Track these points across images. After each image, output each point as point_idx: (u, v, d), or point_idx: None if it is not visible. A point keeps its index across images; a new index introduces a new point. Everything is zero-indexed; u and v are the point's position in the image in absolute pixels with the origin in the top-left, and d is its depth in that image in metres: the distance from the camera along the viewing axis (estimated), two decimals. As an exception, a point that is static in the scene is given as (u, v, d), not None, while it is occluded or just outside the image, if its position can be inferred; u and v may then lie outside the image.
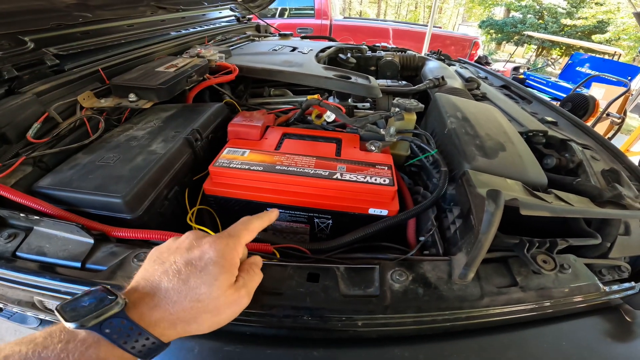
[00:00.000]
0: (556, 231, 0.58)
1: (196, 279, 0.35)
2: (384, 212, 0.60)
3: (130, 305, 0.32)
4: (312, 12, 4.53)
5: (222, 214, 0.67)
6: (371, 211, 0.60)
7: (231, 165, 0.62)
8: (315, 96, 0.74)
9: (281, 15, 4.61)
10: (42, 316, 0.62)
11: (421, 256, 0.53)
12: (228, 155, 0.65)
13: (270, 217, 0.49)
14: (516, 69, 5.66)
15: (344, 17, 5.25)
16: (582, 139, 0.95)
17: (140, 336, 0.31)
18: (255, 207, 0.64)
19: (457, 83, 1.21)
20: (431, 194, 0.62)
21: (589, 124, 2.36)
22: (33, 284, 0.48)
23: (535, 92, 1.47)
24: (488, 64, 5.22)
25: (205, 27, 1.53)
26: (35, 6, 0.92)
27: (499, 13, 13.52)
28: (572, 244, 0.52)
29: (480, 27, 11.85)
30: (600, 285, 0.49)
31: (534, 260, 0.46)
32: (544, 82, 4.93)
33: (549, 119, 1.07)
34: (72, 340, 0.29)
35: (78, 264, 0.48)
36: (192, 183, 0.69)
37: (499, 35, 11.62)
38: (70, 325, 0.28)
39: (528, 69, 6.23)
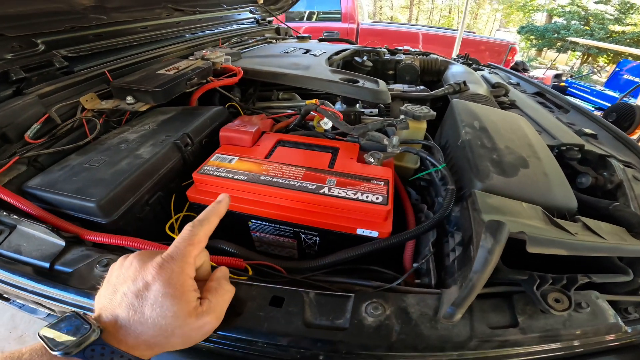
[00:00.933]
0: (580, 263, 0.48)
1: (151, 311, 0.33)
2: (374, 234, 0.53)
3: (105, 332, 0.32)
4: (339, 16, 4.50)
5: (208, 223, 0.64)
6: (359, 231, 0.53)
7: (215, 173, 0.58)
8: (314, 101, 0.69)
9: (309, 19, 4.63)
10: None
11: (408, 286, 0.46)
12: (215, 162, 0.61)
13: (217, 212, 0.41)
14: (558, 76, 5.27)
15: (372, 22, 5.17)
16: (625, 155, 0.82)
17: (123, 358, 0.32)
18: (238, 219, 0.59)
19: (482, 89, 1.11)
20: (434, 214, 0.54)
21: (634, 137, 2.11)
22: (7, 281, 0.49)
23: (577, 100, 1.32)
24: (525, 70, 4.92)
25: (222, 30, 1.53)
26: (53, 8, 0.95)
27: (540, 19, 12.85)
28: (595, 280, 0.42)
29: (519, 32, 11.27)
30: (622, 325, 0.41)
31: (543, 299, 0.39)
32: (588, 90, 4.54)
33: (588, 131, 0.94)
34: None
35: (47, 265, 0.48)
36: (181, 189, 0.67)
37: (540, 41, 10.99)
38: (55, 353, 0.30)
39: (571, 76, 5.80)
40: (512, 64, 4.44)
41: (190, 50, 1.20)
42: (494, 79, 1.30)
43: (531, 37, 11.13)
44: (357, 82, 0.84)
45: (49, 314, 0.95)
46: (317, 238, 0.59)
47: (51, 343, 0.30)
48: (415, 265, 0.52)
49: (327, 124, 0.69)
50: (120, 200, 0.54)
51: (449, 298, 0.40)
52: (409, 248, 0.57)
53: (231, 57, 1.00)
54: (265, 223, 0.59)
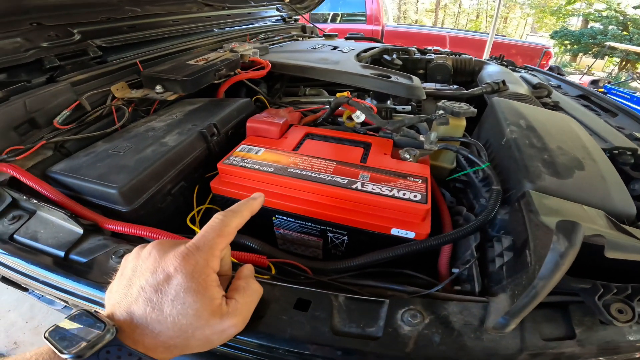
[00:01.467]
0: (634, 272, 0.42)
1: (171, 308, 0.30)
2: (411, 235, 0.48)
3: (120, 332, 0.29)
4: (364, 18, 4.46)
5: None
6: (394, 232, 0.49)
7: (241, 164, 0.55)
8: (345, 93, 0.65)
9: (333, 20, 4.62)
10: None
11: (449, 293, 0.42)
12: (241, 153, 0.59)
13: (251, 207, 0.38)
14: (594, 82, 4.99)
15: (398, 24, 5.10)
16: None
17: None
18: (262, 214, 0.56)
19: (523, 89, 1.03)
20: (476, 217, 0.49)
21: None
22: (19, 270, 0.47)
23: (618, 106, 1.22)
24: (561, 75, 4.69)
25: (250, 26, 1.53)
26: (91, 0, 0.97)
27: (575, 23, 12.30)
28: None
29: (552, 37, 10.82)
30: None
31: (606, 309, 0.34)
32: (628, 96, 4.27)
33: (639, 135, 0.86)
34: None
35: (62, 253, 0.46)
36: (204, 180, 0.65)
37: (575, 46, 10.51)
38: (66, 357, 0.26)
39: (609, 82, 5.48)
40: (546, 69, 4.24)
41: (219, 44, 1.20)
42: (535, 79, 1.22)
43: (566, 42, 10.69)
44: (390, 77, 0.80)
45: (65, 306, 0.96)
46: (346, 237, 0.55)
47: (60, 345, 0.27)
48: (455, 270, 0.47)
49: (359, 117, 0.65)
50: (143, 188, 0.52)
51: (497, 307, 0.36)
52: (445, 252, 0.52)
53: (259, 51, 0.98)
54: (290, 219, 0.55)
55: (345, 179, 0.52)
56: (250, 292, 0.35)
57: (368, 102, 0.84)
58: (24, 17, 0.83)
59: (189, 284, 0.30)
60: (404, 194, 0.49)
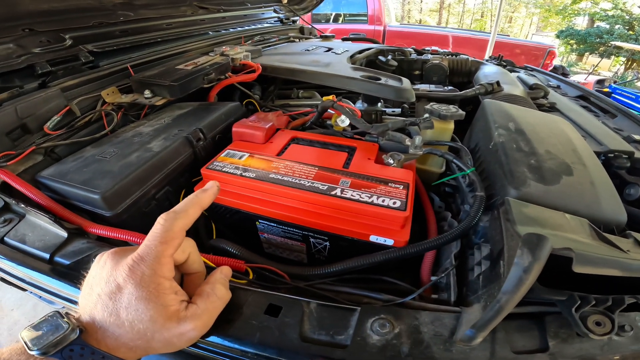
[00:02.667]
0: (623, 281, 0.40)
1: (126, 314, 0.31)
2: (389, 242, 0.48)
3: (85, 333, 0.31)
4: (366, 18, 4.44)
5: (217, 220, 0.61)
6: (372, 238, 0.48)
7: (224, 169, 0.55)
8: (330, 97, 0.65)
9: (335, 20, 4.61)
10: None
11: (424, 302, 0.41)
12: (225, 158, 0.59)
13: (200, 203, 0.36)
14: (600, 81, 4.92)
15: (400, 24, 5.08)
16: (680, 165, 0.72)
17: (104, 359, 0.30)
18: (246, 218, 0.56)
19: (518, 90, 1.02)
20: (459, 223, 0.49)
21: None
22: (8, 271, 0.49)
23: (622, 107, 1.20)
24: (565, 75, 4.62)
25: (246, 28, 1.53)
26: (83, 5, 0.97)
27: (581, 23, 12.15)
28: (644, 301, 0.36)
29: (558, 37, 10.71)
30: None
31: (583, 322, 0.33)
32: (634, 96, 4.21)
33: (638, 137, 0.84)
34: None
35: (47, 255, 0.47)
36: (190, 185, 0.65)
37: (581, 46, 10.39)
38: (33, 353, 0.29)
39: (615, 82, 5.40)
40: (550, 69, 4.19)
41: (213, 47, 1.20)
42: (532, 80, 1.20)
43: (571, 41, 10.57)
44: (379, 79, 0.79)
45: (64, 307, 0.97)
46: (327, 243, 0.54)
47: (30, 342, 0.29)
48: (433, 278, 0.46)
49: (344, 121, 0.64)
50: (126, 193, 0.53)
51: (469, 318, 0.35)
52: (427, 259, 0.51)
53: (251, 54, 0.99)
54: (273, 224, 0.55)
55: (325, 185, 0.51)
56: (213, 298, 0.35)
57: (358, 105, 0.84)
58: (16, 23, 0.84)
59: (140, 293, 0.30)
60: (383, 201, 0.49)
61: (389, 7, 4.82)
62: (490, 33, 4.48)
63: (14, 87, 0.77)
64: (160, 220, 0.33)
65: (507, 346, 0.34)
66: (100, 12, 1.00)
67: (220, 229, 0.62)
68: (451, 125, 0.67)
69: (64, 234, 0.49)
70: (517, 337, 0.35)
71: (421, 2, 14.58)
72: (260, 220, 0.56)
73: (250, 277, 0.46)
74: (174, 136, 0.63)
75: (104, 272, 0.32)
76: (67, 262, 0.46)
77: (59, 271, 0.45)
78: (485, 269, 0.41)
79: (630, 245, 0.39)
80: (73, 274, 0.44)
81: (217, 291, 0.35)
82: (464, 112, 0.67)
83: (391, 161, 0.59)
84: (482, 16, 15.18)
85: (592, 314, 0.34)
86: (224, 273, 0.39)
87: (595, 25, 10.87)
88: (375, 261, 0.46)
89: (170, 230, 0.32)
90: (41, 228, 0.51)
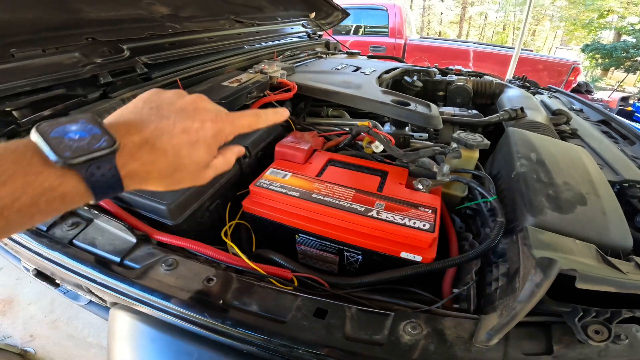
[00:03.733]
0: (627, 297, 0.47)
1: (187, 148, 0.33)
2: (418, 258, 0.54)
3: (122, 151, 0.29)
4: (386, 30, 4.47)
5: (258, 231, 0.68)
6: (403, 255, 0.55)
7: (270, 187, 0.62)
8: (366, 123, 0.71)
9: (355, 32, 4.64)
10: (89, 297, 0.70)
11: (447, 310, 0.48)
12: (270, 176, 0.65)
13: (276, 119, 0.45)
14: (625, 99, 4.82)
15: (420, 37, 5.08)
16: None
17: (112, 184, 0.29)
18: (287, 231, 0.63)
19: (541, 116, 1.06)
20: (480, 244, 0.55)
21: None
22: (77, 271, 0.54)
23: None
24: (589, 92, 4.54)
25: (277, 42, 1.61)
26: (136, 15, 1.04)
27: (607, 37, 11.87)
28: (639, 315, 0.42)
29: (583, 51, 10.49)
30: None
31: (584, 330, 0.40)
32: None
33: (652, 167, 0.88)
34: (47, 168, 0.25)
35: (118, 259, 0.53)
36: (235, 197, 0.72)
37: (607, 60, 10.14)
38: (52, 157, 0.25)
39: (639, 99, 5.26)
40: (574, 85, 4.13)
41: (249, 62, 1.28)
42: (555, 104, 1.24)
43: (597, 55, 10.32)
44: (409, 104, 0.85)
45: (90, 301, 1.03)
46: (360, 257, 0.61)
47: (53, 143, 0.25)
48: (455, 291, 0.53)
49: (378, 147, 0.70)
50: (187, 205, 0.59)
51: (486, 324, 0.42)
52: (449, 273, 0.58)
53: (286, 72, 1.06)
54: (312, 238, 0.62)
55: (362, 207, 0.57)
56: (224, 163, 0.41)
57: (386, 128, 0.90)
58: (81, 30, 0.90)
59: (209, 141, 0.35)
60: (414, 223, 0.55)
61: (410, 20, 4.84)
62: (511, 47, 4.45)
63: (78, 96, 0.84)
64: (253, 116, 0.41)
65: (518, 349, 0.41)
66: (151, 23, 1.06)
67: (259, 239, 0.69)
68: (476, 154, 0.72)
69: (133, 240, 0.55)
70: (527, 342, 0.42)
71: (441, 13, 14.50)
72: (300, 234, 0.62)
73: (295, 284, 0.52)
74: (223, 152, 0.71)
75: (190, 108, 0.34)
76: (137, 266, 0.52)
77: (130, 274, 0.50)
78: (502, 284, 0.47)
79: (631, 267, 0.46)
80: (144, 277, 0.50)
81: (231, 158, 0.42)
82: (489, 142, 0.72)
83: (420, 187, 0.64)
84: (504, 29, 15.00)
85: (592, 324, 0.40)
86: (236, 151, 0.44)
87: (621, 40, 10.60)
88: (406, 274, 0.53)
89: (258, 124, 0.42)
90: (110, 233, 0.57)
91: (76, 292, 0.74)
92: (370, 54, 1.84)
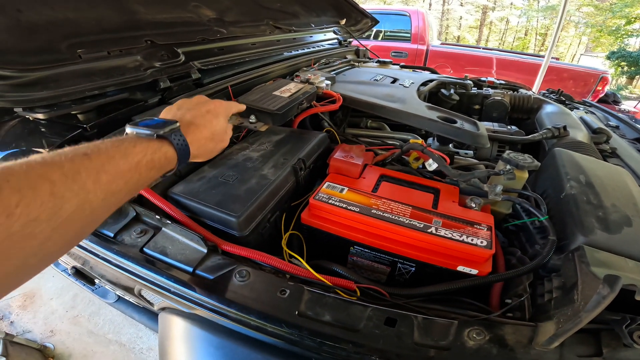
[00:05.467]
0: None
1: (213, 120, 0.57)
2: (474, 272, 0.58)
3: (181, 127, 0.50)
4: (408, 36, 4.41)
5: (310, 241, 0.71)
6: (460, 268, 0.59)
7: (330, 201, 0.65)
8: (419, 141, 0.74)
9: (375, 37, 4.57)
10: (120, 294, 0.75)
11: (504, 318, 0.51)
12: (327, 190, 0.68)
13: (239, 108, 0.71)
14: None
15: (441, 43, 5.02)
16: None
17: (185, 148, 0.49)
18: (344, 244, 0.66)
19: (581, 135, 1.06)
20: (530, 260, 0.59)
21: None
22: (149, 279, 0.56)
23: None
24: (617, 102, 4.40)
25: (312, 49, 1.64)
26: (186, 18, 1.05)
27: (633, 44, 11.48)
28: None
29: (608, 58, 10.17)
30: None
31: (630, 335, 0.44)
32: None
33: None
34: (149, 142, 0.44)
35: (190, 269, 0.55)
36: (291, 208, 0.75)
37: (632, 68, 9.81)
38: (149, 132, 0.45)
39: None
40: (601, 95, 4.02)
41: (289, 69, 1.31)
42: (594, 122, 1.23)
43: (622, 63, 9.99)
44: (455, 122, 0.87)
45: (118, 299, 1.07)
46: (413, 269, 0.63)
47: (148, 126, 0.46)
48: (508, 301, 0.56)
49: (431, 165, 0.73)
50: (253, 217, 0.62)
51: (544, 330, 0.46)
52: (497, 286, 0.61)
53: (330, 82, 1.08)
54: (367, 250, 0.65)
55: (421, 223, 0.60)
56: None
57: (434, 144, 0.92)
58: (139, 33, 0.90)
59: (223, 119, 0.60)
60: (472, 240, 0.58)
61: (432, 26, 4.79)
62: (536, 55, 4.35)
63: (139, 101, 0.86)
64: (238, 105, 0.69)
65: (572, 352, 0.45)
66: (200, 27, 1.07)
67: (309, 249, 0.71)
68: (526, 175, 0.73)
69: (204, 250, 0.56)
70: (579, 346, 0.46)
71: (460, 18, 14.26)
72: (355, 246, 0.65)
73: (358, 294, 0.55)
74: (282, 164, 0.74)
75: (199, 100, 0.59)
76: (211, 277, 0.53)
77: (203, 284, 0.52)
78: (556, 296, 0.52)
79: None
80: (217, 288, 0.52)
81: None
82: (539, 164, 0.73)
83: (473, 205, 0.67)
84: (525, 34, 14.65)
85: (637, 330, 0.45)
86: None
87: (650, 47, 10.21)
88: (464, 286, 0.56)
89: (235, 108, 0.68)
90: (179, 242, 0.58)
91: (107, 289, 0.76)
92: (401, 64, 1.85)
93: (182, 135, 0.48)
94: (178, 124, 0.49)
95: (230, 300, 0.50)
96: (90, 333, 1.53)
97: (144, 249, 0.58)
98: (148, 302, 0.77)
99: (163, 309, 0.68)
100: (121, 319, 1.58)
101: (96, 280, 0.87)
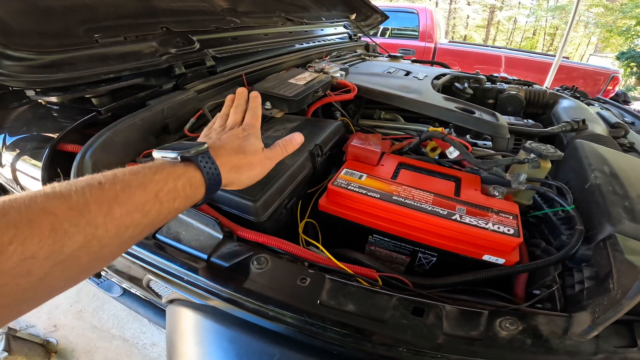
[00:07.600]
0: None
1: (241, 141, 0.51)
2: (501, 261, 0.56)
3: (209, 149, 0.44)
4: (416, 33, 4.38)
5: (326, 230, 0.69)
6: (485, 257, 0.57)
7: (349, 187, 0.64)
8: (439, 129, 0.72)
9: (382, 34, 4.56)
10: (126, 286, 0.71)
11: (534, 309, 0.50)
12: (346, 177, 0.67)
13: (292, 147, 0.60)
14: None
15: (449, 41, 4.99)
16: None
17: (215, 173, 0.43)
18: (363, 232, 0.64)
19: (600, 128, 1.04)
20: (556, 250, 0.58)
21: None
22: (162, 266, 0.54)
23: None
24: (627, 102, 4.35)
25: (323, 42, 1.63)
26: (202, 7, 1.06)
27: (643, 45, 11.36)
28: None
29: (618, 58, 10.06)
30: None
31: None
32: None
33: None
34: (172, 167, 0.39)
35: (205, 256, 0.53)
36: (307, 195, 0.74)
37: (642, 69, 9.71)
38: (174, 155, 0.40)
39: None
40: (611, 95, 3.98)
41: (301, 60, 1.30)
42: (612, 117, 1.21)
43: (632, 63, 9.90)
44: (474, 112, 0.85)
45: (124, 292, 1.05)
46: (435, 258, 0.62)
47: (177, 150, 0.40)
48: (536, 292, 0.54)
49: (452, 153, 0.71)
50: (270, 202, 0.60)
51: (579, 320, 0.45)
52: (523, 277, 0.60)
53: (344, 73, 1.07)
54: (386, 239, 0.63)
55: (444, 210, 0.59)
56: (280, 150, 0.57)
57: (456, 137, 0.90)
58: (155, 19, 0.91)
59: (254, 139, 0.53)
60: (498, 227, 0.56)
61: (440, 24, 4.76)
62: (544, 54, 4.31)
63: (153, 86, 0.85)
64: (253, 121, 0.57)
65: (607, 342, 0.44)
66: (214, 17, 1.08)
67: (326, 236, 0.70)
68: (549, 165, 0.71)
69: (220, 236, 0.54)
70: (614, 337, 0.45)
71: (467, 17, 14.15)
72: (374, 235, 0.64)
73: (380, 284, 0.54)
74: (299, 150, 0.72)
75: (238, 130, 0.53)
76: (226, 265, 0.51)
77: (219, 272, 0.50)
78: (589, 286, 0.50)
79: None
80: (234, 276, 0.49)
81: (288, 147, 0.58)
82: (562, 153, 0.71)
83: (496, 193, 0.65)
84: (534, 34, 14.50)
85: None
86: (293, 140, 0.59)
87: (659, 48, 10.11)
88: (491, 276, 0.54)
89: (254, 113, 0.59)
90: (194, 228, 0.56)
91: (113, 282, 0.74)
92: (412, 59, 1.83)
93: (210, 157, 0.43)
94: (206, 145, 0.43)
95: (247, 289, 0.48)
96: (94, 328, 1.52)
97: (157, 235, 0.57)
98: (156, 294, 0.75)
99: (172, 301, 0.66)
100: (125, 314, 1.57)
101: (102, 272, 0.86)
